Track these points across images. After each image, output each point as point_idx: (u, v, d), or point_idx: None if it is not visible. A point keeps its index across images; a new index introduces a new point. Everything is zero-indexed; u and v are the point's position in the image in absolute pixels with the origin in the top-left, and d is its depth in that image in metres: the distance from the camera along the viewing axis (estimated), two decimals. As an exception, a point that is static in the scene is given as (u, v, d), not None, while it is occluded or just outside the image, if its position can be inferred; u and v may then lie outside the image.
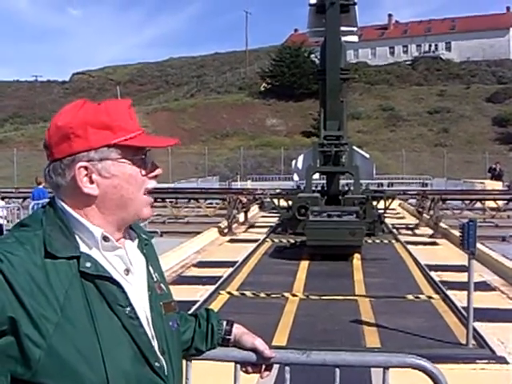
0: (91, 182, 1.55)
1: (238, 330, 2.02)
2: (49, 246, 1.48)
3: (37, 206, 14.26)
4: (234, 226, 17.66)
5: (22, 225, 1.56)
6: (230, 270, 11.25)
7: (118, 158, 1.57)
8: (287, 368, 2.09)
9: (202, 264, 12.24)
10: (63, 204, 1.57)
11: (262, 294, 9.42)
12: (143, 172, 1.62)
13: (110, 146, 1.55)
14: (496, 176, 28.68)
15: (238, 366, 2.04)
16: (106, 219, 1.59)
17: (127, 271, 1.60)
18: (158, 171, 1.68)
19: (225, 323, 2.02)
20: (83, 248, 1.53)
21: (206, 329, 1.99)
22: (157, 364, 1.58)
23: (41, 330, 1.40)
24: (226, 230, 16.93)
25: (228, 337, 2.00)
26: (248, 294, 9.50)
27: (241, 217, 19.50)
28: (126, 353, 1.51)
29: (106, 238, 1.56)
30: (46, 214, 1.56)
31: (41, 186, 16.19)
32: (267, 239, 15.60)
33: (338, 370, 2.08)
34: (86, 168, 1.54)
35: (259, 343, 1.97)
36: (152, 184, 1.66)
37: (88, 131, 1.53)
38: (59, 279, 1.46)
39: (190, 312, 2.13)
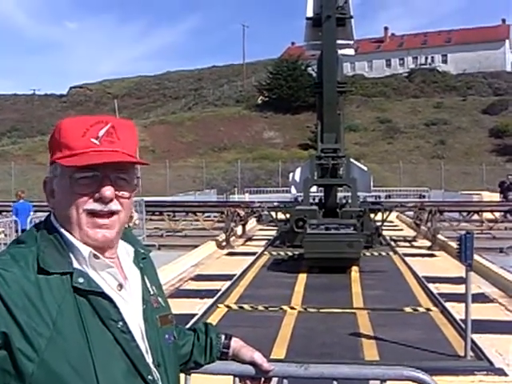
0: (52, 196, 1.64)
1: (236, 343, 2.03)
2: (42, 262, 1.50)
3: (22, 221, 14.32)
4: (232, 239, 17.66)
5: (19, 241, 1.60)
6: (228, 283, 11.25)
7: (60, 175, 1.60)
8: (285, 381, 2.11)
9: (200, 277, 12.23)
10: (53, 221, 1.63)
11: (260, 307, 9.41)
12: (84, 191, 1.57)
13: (55, 162, 1.61)
14: (506, 189, 28.12)
15: (237, 379, 2.05)
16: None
17: (120, 286, 1.61)
18: (104, 191, 1.57)
19: (223, 337, 2.03)
20: (76, 264, 1.55)
21: (205, 342, 2.00)
22: (150, 377, 1.59)
23: (33, 345, 1.43)
24: (223, 243, 16.92)
25: (226, 350, 2.01)
26: (246, 307, 9.48)
27: (239, 230, 19.49)
28: (118, 366, 1.53)
29: (96, 256, 1.58)
30: (41, 231, 1.60)
31: (22, 201, 16.20)
32: (265, 252, 15.59)
33: (335, 383, 2.10)
34: (45, 182, 1.66)
35: (258, 356, 1.98)
36: (91, 206, 1.58)
37: (50, 147, 1.64)
38: (52, 294, 1.48)
39: (188, 326, 2.15)
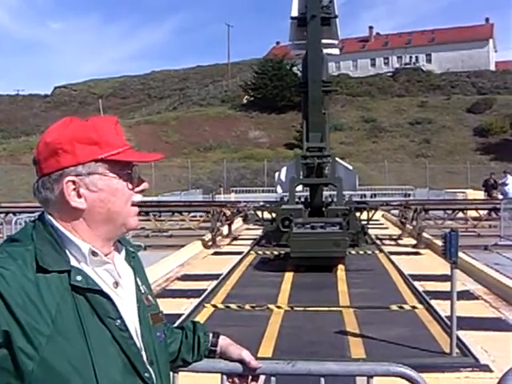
0: (79, 196, 1.59)
1: (224, 341, 2.05)
2: (40, 261, 1.51)
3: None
4: (218, 238, 17.65)
5: (13, 240, 1.60)
6: (215, 282, 11.24)
7: (104, 173, 1.61)
8: (273, 378, 2.11)
9: (186, 277, 12.22)
10: (51, 219, 1.61)
11: (247, 306, 9.41)
12: (130, 186, 1.66)
13: (97, 160, 1.60)
14: (490, 187, 28.32)
15: (225, 377, 2.06)
16: (93, 233, 1.62)
17: (116, 284, 1.63)
18: (144, 185, 1.72)
19: (211, 335, 2.04)
20: (73, 262, 1.57)
21: (193, 340, 2.01)
22: (146, 374, 1.61)
23: (33, 343, 1.44)
24: (209, 243, 16.91)
25: (214, 348, 2.02)
26: (233, 306, 9.48)
27: (225, 229, 19.49)
28: (116, 364, 1.55)
29: (94, 253, 1.59)
30: (36, 229, 1.59)
31: None
32: (251, 251, 15.59)
33: (323, 380, 2.11)
34: (73, 182, 1.59)
35: (245, 354, 2.00)
36: (138, 198, 1.70)
37: (75, 146, 1.58)
38: (51, 293, 1.49)
39: (175, 325, 2.15)
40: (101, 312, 1.54)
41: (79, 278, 1.53)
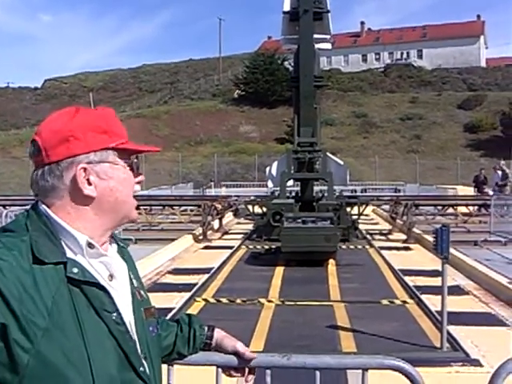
0: (89, 183, 1.58)
1: (218, 334, 2.05)
2: (37, 252, 1.48)
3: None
4: (209, 232, 17.62)
5: (6, 230, 1.57)
6: (206, 276, 11.24)
7: (115, 161, 1.62)
8: (268, 371, 2.12)
9: (177, 271, 12.21)
10: (46, 209, 1.58)
11: (238, 301, 9.42)
12: (135, 175, 1.69)
13: (108, 148, 1.61)
14: (480, 184, 28.29)
15: (220, 370, 2.06)
16: (99, 221, 1.61)
17: (111, 277, 1.61)
18: (141, 177, 1.73)
19: (206, 328, 2.05)
20: (69, 254, 1.54)
21: (188, 334, 2.01)
22: (141, 369, 1.60)
23: (29, 336, 1.41)
24: (200, 237, 16.89)
25: (209, 341, 2.02)
26: (224, 300, 9.49)
27: (215, 223, 19.47)
28: (112, 358, 1.53)
29: (90, 245, 1.57)
30: (30, 219, 1.56)
31: None
32: (242, 246, 15.61)
33: (318, 373, 2.12)
34: (84, 170, 1.57)
35: (240, 346, 2.00)
36: (137, 188, 1.72)
37: (87, 134, 1.58)
38: (47, 285, 1.46)
39: (168, 318, 2.15)
40: (97, 305, 1.52)
41: (75, 270, 1.50)
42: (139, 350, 1.62)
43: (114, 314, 1.55)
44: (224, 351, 2.02)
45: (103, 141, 1.60)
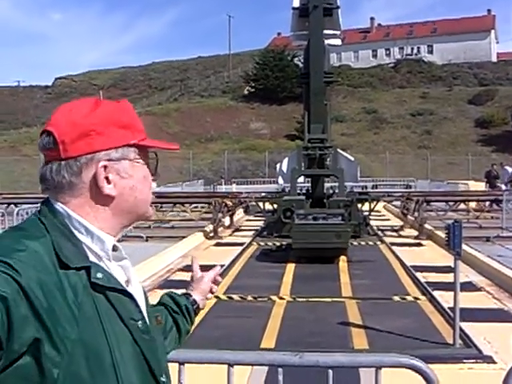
0: (108, 182, 1.48)
1: (194, 292, 2.11)
2: (61, 255, 1.36)
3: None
4: (220, 229, 17.64)
5: (21, 229, 1.44)
6: (217, 273, 11.21)
7: (136, 159, 1.52)
8: (280, 369, 2.10)
9: (188, 268, 12.15)
10: (65, 208, 1.45)
11: (249, 298, 9.41)
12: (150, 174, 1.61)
13: (130, 145, 1.51)
14: (492, 178, 28.05)
15: (232, 368, 2.04)
16: (114, 221, 1.50)
17: (127, 282, 1.52)
18: (158, 175, 1.67)
19: (190, 298, 2.08)
20: (91, 257, 1.44)
21: (181, 311, 2.01)
22: (162, 379, 1.52)
23: (60, 349, 1.29)
24: (211, 234, 16.90)
25: (197, 304, 2.08)
26: (235, 297, 9.48)
27: (226, 220, 19.48)
28: (136, 367, 1.43)
29: (114, 247, 1.49)
30: (48, 220, 1.43)
31: None
32: (253, 242, 15.60)
33: (330, 372, 2.09)
34: (105, 167, 1.47)
35: (210, 275, 2.17)
36: (154, 186, 1.63)
37: (110, 129, 1.48)
38: (72, 291, 1.35)
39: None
40: (122, 312, 1.42)
41: (100, 275, 1.39)
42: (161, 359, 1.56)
43: (140, 322, 1.47)
44: (204, 293, 2.13)
45: (125, 137, 1.50)
